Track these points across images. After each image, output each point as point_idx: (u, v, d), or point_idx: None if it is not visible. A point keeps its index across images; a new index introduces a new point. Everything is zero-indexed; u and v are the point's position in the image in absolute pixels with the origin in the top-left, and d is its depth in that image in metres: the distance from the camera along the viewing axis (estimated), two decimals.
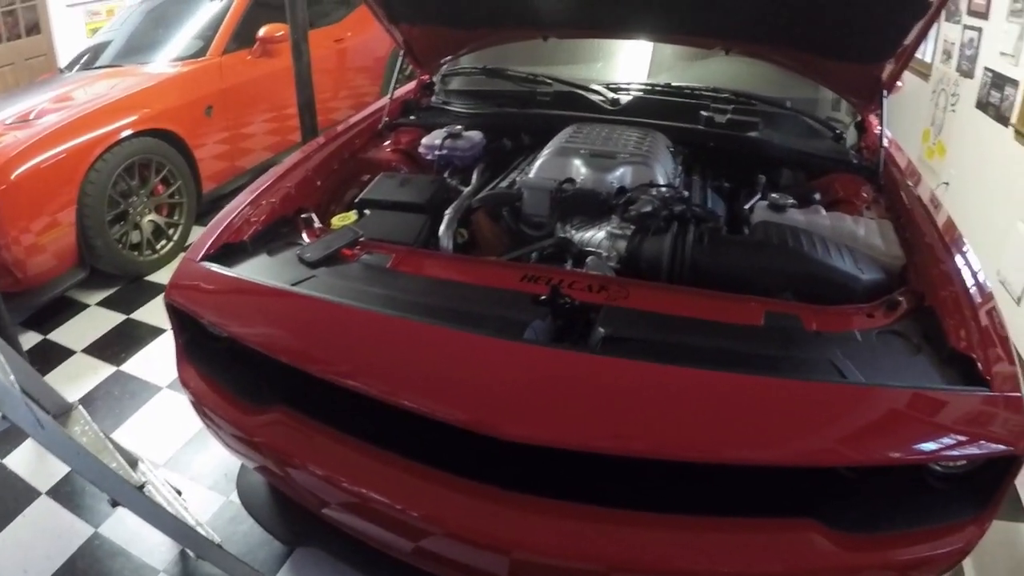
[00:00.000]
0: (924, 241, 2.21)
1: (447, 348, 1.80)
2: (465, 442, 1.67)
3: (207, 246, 2.27)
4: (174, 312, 2.25)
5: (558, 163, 2.60)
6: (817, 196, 2.60)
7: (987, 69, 4.56)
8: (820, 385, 1.64)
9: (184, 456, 3.27)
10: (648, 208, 2.28)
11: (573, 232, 2.41)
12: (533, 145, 3.08)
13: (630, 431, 1.61)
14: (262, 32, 5.73)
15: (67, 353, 4.13)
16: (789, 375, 1.67)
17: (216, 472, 3.15)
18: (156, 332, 4.29)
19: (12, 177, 4.09)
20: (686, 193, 2.49)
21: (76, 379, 3.85)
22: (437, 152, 2.97)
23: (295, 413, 2.00)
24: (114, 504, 2.66)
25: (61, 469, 3.23)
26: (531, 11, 3.06)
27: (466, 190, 2.73)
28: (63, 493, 3.11)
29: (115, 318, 4.49)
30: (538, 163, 2.63)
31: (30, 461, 3.27)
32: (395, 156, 3.14)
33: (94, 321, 4.48)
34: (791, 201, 2.43)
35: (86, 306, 4.66)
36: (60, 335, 4.33)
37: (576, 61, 3.59)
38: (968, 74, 4.89)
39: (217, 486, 3.08)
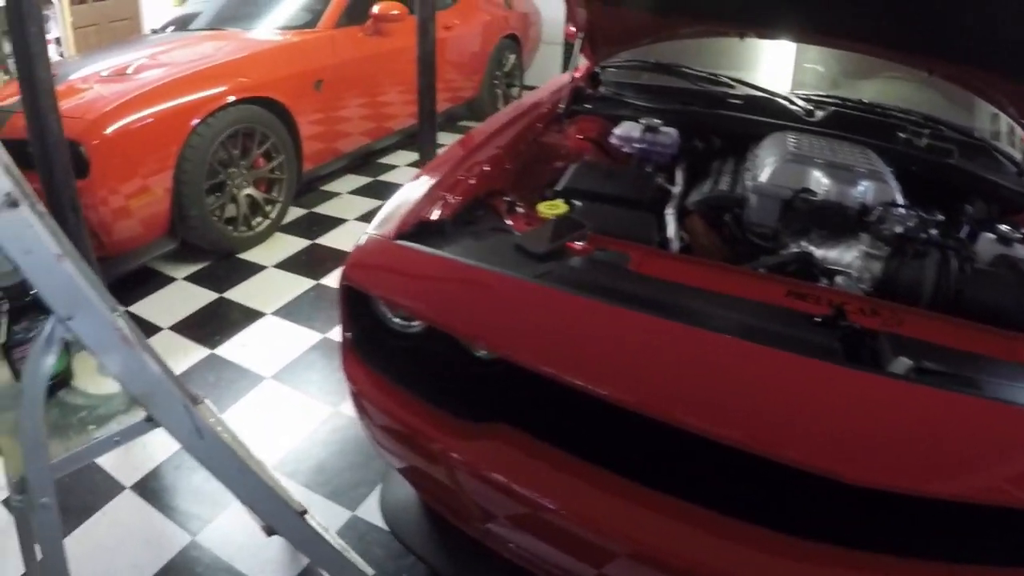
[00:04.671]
0: None
1: (741, 364, 1.52)
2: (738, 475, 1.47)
3: (399, 223, 1.94)
4: (350, 296, 1.93)
5: (792, 171, 2.30)
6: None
7: None
8: None
9: (296, 459, 2.89)
10: (903, 229, 2.02)
11: (811, 247, 2.16)
12: (725, 149, 2.81)
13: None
14: (376, 9, 5.41)
15: (153, 329, 3.76)
16: None
17: (337, 479, 2.77)
18: (253, 315, 3.92)
19: (107, 132, 3.75)
20: (940, 217, 2.19)
21: (166, 360, 3.44)
22: (636, 145, 2.68)
23: (514, 431, 1.71)
24: (270, 533, 2.29)
25: (147, 462, 2.84)
26: (742, 7, 2.84)
27: (676, 190, 2.47)
28: (150, 490, 2.73)
29: (206, 296, 4.13)
30: (770, 169, 2.33)
31: None
32: (584, 145, 2.86)
33: (182, 297, 4.12)
34: (1019, 235, 2.18)
35: (172, 280, 4.31)
36: (144, 308, 3.97)
37: (720, 66, 3.29)
38: None
39: (337, 495, 2.69)
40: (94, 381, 1.73)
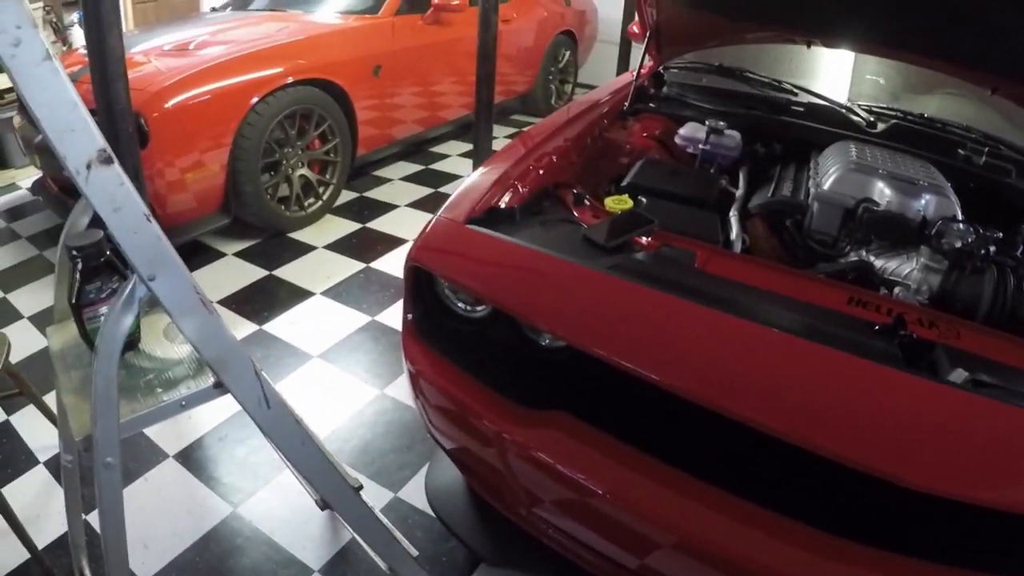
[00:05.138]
0: None
1: (805, 363, 1.53)
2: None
3: (470, 207, 1.95)
4: (415, 277, 1.95)
5: (855, 180, 2.30)
6: None
7: None
8: None
9: (341, 438, 2.89)
10: (962, 244, 2.02)
11: (870, 257, 2.17)
12: (787, 155, 2.80)
13: None
14: None
15: None
16: None
17: (380, 460, 2.77)
18: (302, 294, 3.93)
19: (167, 105, 3.80)
20: (999, 234, 2.17)
21: None
22: (701, 146, 2.69)
23: (573, 419, 1.71)
24: (324, 506, 2.30)
25: (192, 432, 2.87)
26: (812, 16, 2.80)
27: (738, 193, 2.47)
28: (193, 460, 2.75)
29: (255, 272, 4.15)
30: (833, 177, 2.33)
31: None
32: (648, 142, 2.84)
33: (232, 272, 4.15)
34: None
35: (223, 255, 4.34)
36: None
37: (778, 73, 3.30)
38: None
39: (380, 476, 2.69)
40: (161, 345, 1.74)
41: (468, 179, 2.16)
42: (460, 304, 1.96)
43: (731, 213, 2.28)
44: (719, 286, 1.73)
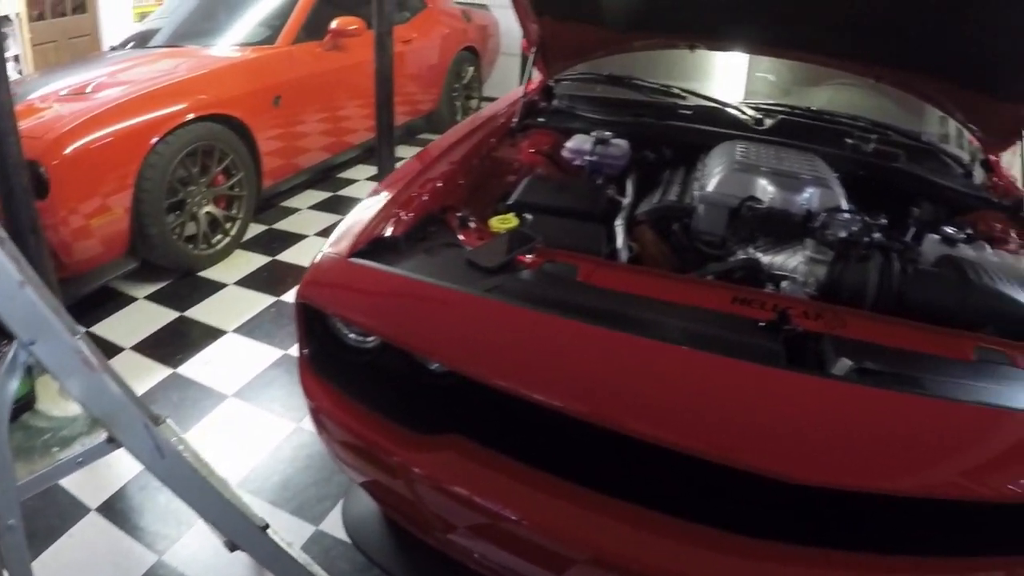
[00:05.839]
0: None
1: (686, 371, 1.58)
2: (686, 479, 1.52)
3: (354, 241, 1.97)
4: (306, 313, 1.99)
5: (739, 179, 2.36)
6: (969, 231, 2.36)
7: None
8: None
9: (261, 476, 2.89)
10: (847, 233, 2.10)
11: (758, 254, 2.20)
12: (676, 160, 2.85)
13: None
14: (335, 24, 5.45)
15: (115, 350, 3.73)
16: None
17: (301, 494, 2.77)
18: (215, 334, 3.91)
19: (66, 152, 3.72)
20: (884, 220, 2.25)
21: (128, 380, 3.43)
22: (587, 158, 2.72)
23: (467, 441, 1.74)
24: (232, 549, 2.30)
25: (113, 482, 2.84)
26: (692, 21, 2.91)
27: (626, 201, 2.51)
28: (116, 511, 2.71)
29: (167, 315, 4.10)
30: (717, 178, 2.38)
31: None
32: (536, 158, 2.87)
33: (144, 316, 4.10)
34: (963, 236, 2.24)
35: (133, 299, 4.28)
36: (106, 329, 3.93)
37: (673, 77, 3.35)
38: None
39: (302, 511, 2.69)
40: (57, 404, 1.75)
41: (353, 210, 2.18)
42: (352, 336, 1.98)
43: (617, 222, 2.32)
44: (600, 299, 1.77)
